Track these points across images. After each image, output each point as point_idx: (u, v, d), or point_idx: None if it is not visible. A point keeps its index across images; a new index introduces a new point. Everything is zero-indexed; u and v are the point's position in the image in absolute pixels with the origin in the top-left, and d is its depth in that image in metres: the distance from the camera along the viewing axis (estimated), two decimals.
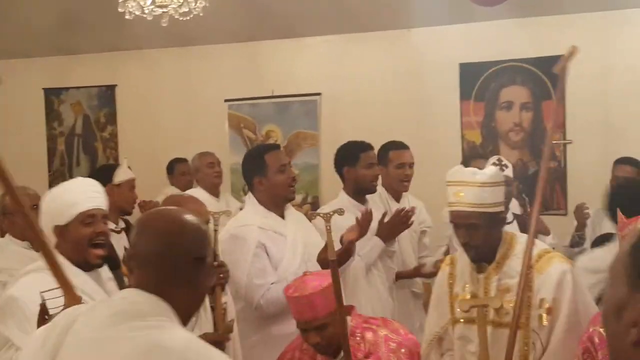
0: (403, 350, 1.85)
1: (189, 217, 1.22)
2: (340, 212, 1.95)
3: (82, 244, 1.76)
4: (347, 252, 2.42)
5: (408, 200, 3.18)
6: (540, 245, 1.97)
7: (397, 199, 3.06)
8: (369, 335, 1.89)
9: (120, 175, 3.10)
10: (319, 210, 2.80)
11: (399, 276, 2.93)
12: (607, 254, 2.32)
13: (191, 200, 2.28)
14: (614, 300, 0.71)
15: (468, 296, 1.90)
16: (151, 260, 1.17)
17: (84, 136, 5.06)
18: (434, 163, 3.99)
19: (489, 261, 1.92)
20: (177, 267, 1.17)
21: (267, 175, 2.40)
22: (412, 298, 3.04)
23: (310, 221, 2.22)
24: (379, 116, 4.32)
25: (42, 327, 1.26)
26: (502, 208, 1.93)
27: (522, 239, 1.92)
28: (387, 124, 4.19)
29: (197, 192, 4.17)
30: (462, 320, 1.95)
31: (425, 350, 2.04)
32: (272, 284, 2.31)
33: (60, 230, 1.75)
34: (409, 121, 4.25)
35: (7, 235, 2.70)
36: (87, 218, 1.78)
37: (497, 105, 4.27)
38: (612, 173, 3.43)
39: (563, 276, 1.85)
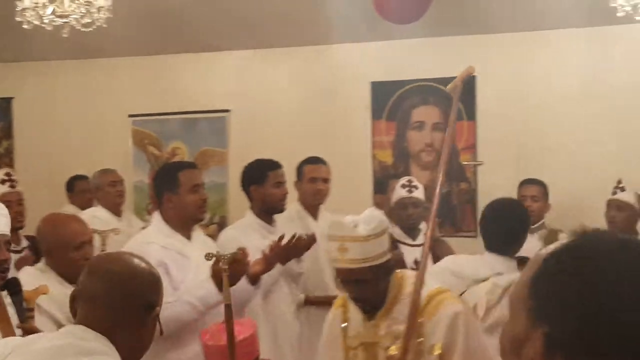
0: None
1: (143, 264, 1.28)
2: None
3: None
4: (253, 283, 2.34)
5: (325, 219, 3.03)
6: (430, 284, 1.87)
7: (315, 215, 3.01)
8: None
9: None
10: (228, 230, 2.81)
11: (308, 301, 2.85)
12: (470, 261, 2.38)
13: (72, 219, 2.26)
14: (512, 334, 0.68)
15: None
16: (101, 301, 1.20)
17: None
18: (345, 183, 3.88)
19: (380, 307, 1.84)
20: (127, 310, 1.21)
21: (179, 193, 2.30)
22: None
23: (208, 260, 2.08)
24: (289, 134, 4.20)
25: None
26: (388, 256, 1.84)
27: (412, 279, 1.82)
28: (298, 142, 4.07)
29: (98, 211, 3.96)
30: None
31: None
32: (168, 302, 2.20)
33: None
34: (320, 139, 4.14)
35: None
36: None
37: (408, 125, 4.20)
38: (518, 194, 3.39)
39: (455, 319, 1.77)
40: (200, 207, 2.38)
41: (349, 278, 1.82)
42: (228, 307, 1.79)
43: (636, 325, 0.58)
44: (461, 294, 2.08)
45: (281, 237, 2.48)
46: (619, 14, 3.10)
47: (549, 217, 3.43)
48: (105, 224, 3.75)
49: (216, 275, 2.17)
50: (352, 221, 1.83)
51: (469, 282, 2.19)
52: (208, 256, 2.06)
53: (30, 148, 4.59)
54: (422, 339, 1.76)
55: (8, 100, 4.63)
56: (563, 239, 2.46)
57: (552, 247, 0.67)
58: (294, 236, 2.61)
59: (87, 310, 1.19)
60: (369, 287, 1.81)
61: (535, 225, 3.37)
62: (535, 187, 3.36)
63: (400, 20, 3.69)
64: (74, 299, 1.27)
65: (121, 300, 1.19)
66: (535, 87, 4.01)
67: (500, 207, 2.44)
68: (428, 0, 3.39)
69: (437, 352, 1.74)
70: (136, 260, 1.27)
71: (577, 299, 0.61)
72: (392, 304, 1.86)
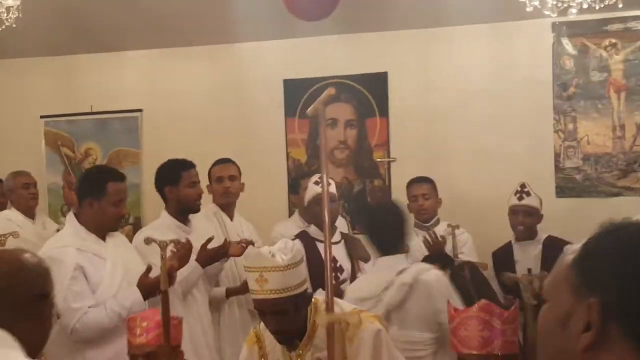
0: None
1: (28, 256, 1.32)
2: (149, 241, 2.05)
3: None
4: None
5: (240, 221, 3.19)
6: (344, 306, 1.88)
7: (230, 216, 3.08)
8: None
9: None
10: (143, 231, 2.83)
11: (229, 292, 2.91)
12: (366, 284, 2.42)
13: None
14: (556, 314, 0.77)
15: None
16: None
17: None
18: (259, 181, 3.88)
19: (300, 337, 1.84)
20: (19, 303, 1.25)
21: (102, 201, 2.39)
22: (250, 317, 2.97)
23: (148, 244, 2.11)
24: (203, 133, 4.18)
25: None
26: (307, 285, 1.87)
27: (324, 304, 1.79)
28: (211, 141, 4.06)
29: (12, 214, 3.95)
30: None
31: None
32: (89, 307, 2.26)
33: None
34: (234, 138, 4.13)
35: None
36: None
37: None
38: (408, 193, 3.42)
39: (377, 339, 1.80)
40: (118, 219, 2.49)
41: (269, 309, 1.79)
42: (165, 293, 1.84)
43: None
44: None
45: (188, 240, 2.52)
46: (528, 9, 3.08)
47: (444, 211, 3.47)
48: (18, 226, 3.75)
49: (142, 285, 2.28)
50: (269, 251, 1.82)
51: (378, 299, 2.23)
52: (147, 241, 2.09)
53: None
54: None
55: None
56: (462, 233, 2.42)
57: (587, 239, 0.77)
58: (209, 239, 2.68)
59: None
60: (290, 317, 1.79)
61: (431, 222, 3.41)
62: (425, 185, 3.39)
63: (309, 17, 3.68)
64: None
65: (13, 294, 1.23)
66: (443, 83, 4.02)
67: (382, 213, 2.54)
68: None
69: None
70: (23, 254, 1.32)
71: (625, 269, 0.71)
72: (313, 331, 1.85)
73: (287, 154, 4.20)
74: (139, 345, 1.80)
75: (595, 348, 0.71)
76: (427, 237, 3.10)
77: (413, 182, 3.43)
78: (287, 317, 1.79)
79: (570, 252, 0.78)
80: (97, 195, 2.35)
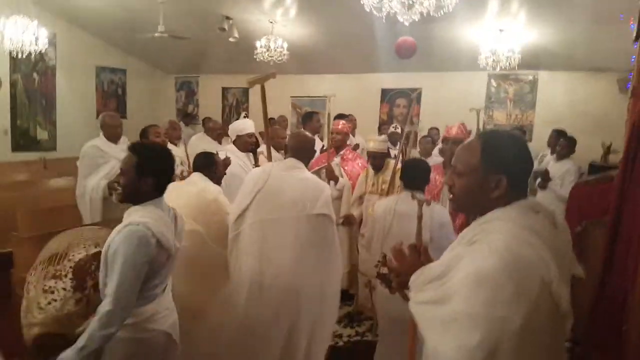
0: None
1: None
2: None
3: None
4: None
5: None
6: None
7: None
8: None
9: None
10: None
11: None
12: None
13: None
14: (469, 187, 1.67)
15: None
16: None
17: None
18: None
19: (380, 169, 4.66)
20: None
21: None
22: None
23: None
24: None
25: None
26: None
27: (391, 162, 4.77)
28: None
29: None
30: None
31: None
32: None
33: None
34: None
35: None
36: None
37: None
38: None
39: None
40: None
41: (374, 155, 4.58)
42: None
43: (522, 170, 1.64)
44: None
45: None
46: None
47: None
48: None
49: None
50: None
51: None
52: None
53: None
54: None
55: None
56: None
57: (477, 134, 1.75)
58: None
59: None
60: (379, 160, 4.56)
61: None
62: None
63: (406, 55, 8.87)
64: None
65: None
66: None
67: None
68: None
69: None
70: None
71: (515, 154, 1.60)
72: (385, 169, 4.60)
73: None
74: None
75: (501, 196, 1.57)
76: None
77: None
78: (378, 160, 4.62)
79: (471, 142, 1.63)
80: None
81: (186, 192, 3.34)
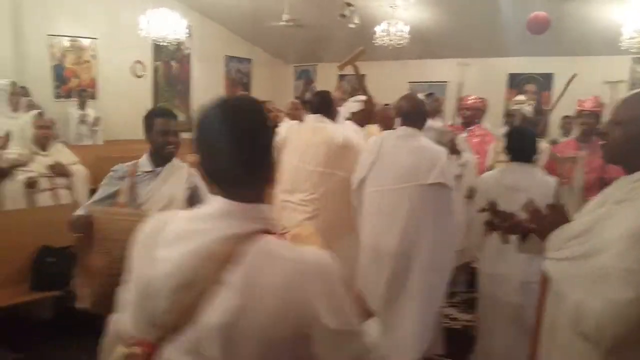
0: None
1: None
2: None
3: None
4: None
5: None
6: None
7: None
8: None
9: None
10: None
11: None
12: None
13: None
14: (632, 134, 1.62)
15: None
16: None
17: None
18: None
19: None
20: None
21: None
22: None
23: None
24: None
25: None
26: None
27: None
28: None
29: None
30: None
31: None
32: None
33: None
34: None
35: None
36: None
37: None
38: None
39: None
40: None
41: None
42: None
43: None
44: None
45: None
46: None
47: None
48: None
49: None
50: None
51: None
52: None
53: None
54: None
55: None
56: None
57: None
58: None
59: None
60: None
61: None
62: None
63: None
64: None
65: None
66: None
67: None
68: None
69: None
70: None
71: None
72: None
73: None
74: None
75: None
76: None
77: None
78: None
79: None
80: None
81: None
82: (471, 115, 5.16)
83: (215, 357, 1.06)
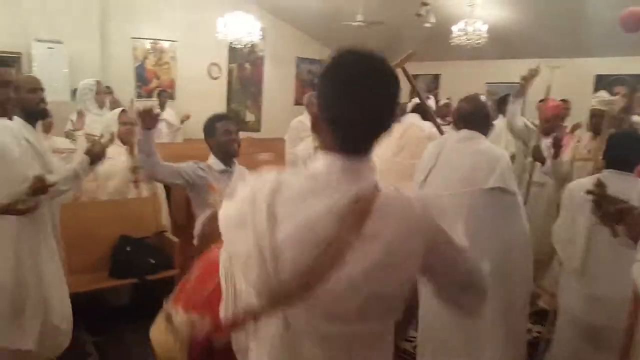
0: None
1: None
2: None
3: None
4: None
5: None
6: None
7: None
8: None
9: None
10: None
11: None
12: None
13: None
14: None
15: None
16: None
17: None
18: None
19: None
20: None
21: None
22: None
23: None
24: None
25: None
26: None
27: None
28: None
29: None
30: None
31: None
32: None
33: None
34: None
35: None
36: None
37: None
38: None
39: None
40: None
41: None
42: None
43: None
44: None
45: None
46: None
47: None
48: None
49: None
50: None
51: None
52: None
53: None
54: None
55: None
56: None
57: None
58: None
59: None
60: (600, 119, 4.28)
61: None
62: None
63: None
64: None
65: None
66: None
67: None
68: None
69: None
70: None
71: None
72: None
73: None
74: None
75: None
76: None
77: None
78: (597, 119, 4.56)
79: None
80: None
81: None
82: (550, 128, 4.83)
83: (350, 312, 1.07)
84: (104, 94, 5.70)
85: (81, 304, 3.32)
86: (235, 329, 1.17)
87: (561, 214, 3.05)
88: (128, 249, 3.90)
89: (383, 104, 1.13)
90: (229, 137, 3.10)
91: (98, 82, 5.53)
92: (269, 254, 1.08)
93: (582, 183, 2.98)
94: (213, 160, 3.13)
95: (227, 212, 1.18)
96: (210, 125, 3.13)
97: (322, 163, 1.14)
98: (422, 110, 4.38)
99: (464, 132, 3.01)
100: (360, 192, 1.08)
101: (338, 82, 1.14)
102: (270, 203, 1.10)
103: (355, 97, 1.10)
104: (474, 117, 2.98)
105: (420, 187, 3.07)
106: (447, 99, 8.42)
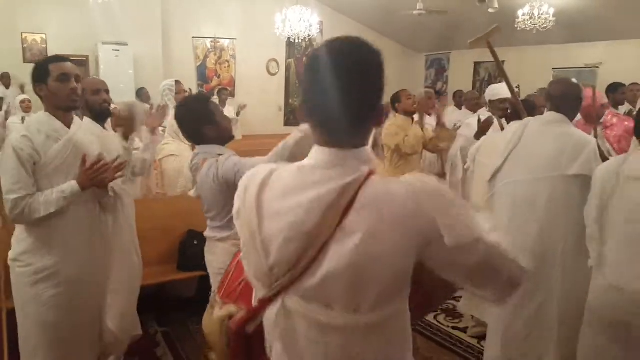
0: None
1: None
2: None
3: None
4: None
5: None
6: None
7: None
8: None
9: None
10: None
11: None
12: None
13: None
14: None
15: None
16: None
17: None
18: None
19: None
20: None
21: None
22: None
23: None
24: None
25: None
26: None
27: None
28: None
29: None
30: None
31: None
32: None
33: None
34: None
35: None
36: None
37: None
38: None
39: None
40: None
41: None
42: None
43: None
44: None
45: None
46: None
47: None
48: None
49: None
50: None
51: None
52: None
53: None
54: None
55: None
56: None
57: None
58: None
59: None
60: None
61: None
62: None
63: None
64: None
65: None
66: None
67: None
68: None
69: None
70: None
71: None
72: None
73: None
74: None
75: None
76: None
77: None
78: None
79: None
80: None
81: None
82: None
83: (339, 299, 1.10)
84: (183, 93, 5.89)
85: (151, 295, 3.44)
86: (257, 316, 1.21)
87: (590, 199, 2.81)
88: (195, 242, 4.01)
89: (360, 96, 1.10)
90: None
91: (177, 82, 5.70)
92: (259, 245, 1.14)
93: (609, 163, 2.62)
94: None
95: (235, 204, 1.23)
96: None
97: (311, 156, 1.16)
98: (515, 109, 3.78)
99: (550, 115, 2.85)
100: (345, 185, 1.09)
101: (313, 73, 1.12)
102: (258, 196, 1.15)
103: (328, 88, 1.08)
104: (566, 99, 2.83)
105: (496, 174, 2.97)
106: (516, 87, 8.03)
